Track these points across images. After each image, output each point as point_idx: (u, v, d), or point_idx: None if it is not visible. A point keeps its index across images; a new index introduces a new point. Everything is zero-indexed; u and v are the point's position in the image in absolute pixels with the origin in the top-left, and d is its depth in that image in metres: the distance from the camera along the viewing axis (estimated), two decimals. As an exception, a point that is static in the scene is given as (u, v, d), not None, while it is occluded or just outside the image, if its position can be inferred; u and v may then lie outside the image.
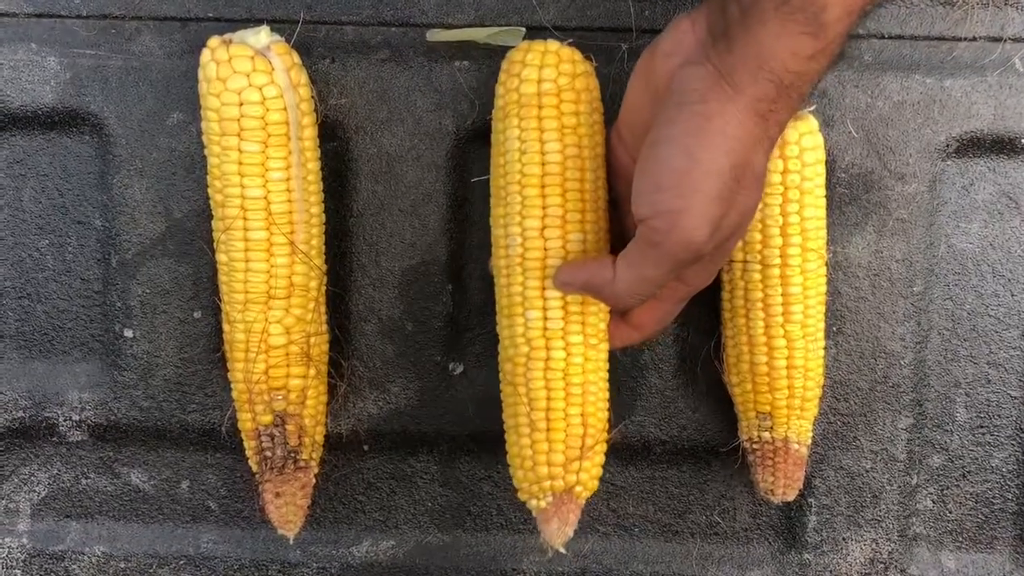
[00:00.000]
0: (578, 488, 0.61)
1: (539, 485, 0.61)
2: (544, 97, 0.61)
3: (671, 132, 0.51)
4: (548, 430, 0.61)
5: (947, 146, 0.70)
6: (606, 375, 0.64)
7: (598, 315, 0.62)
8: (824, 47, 0.49)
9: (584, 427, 0.61)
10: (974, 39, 0.69)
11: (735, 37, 0.50)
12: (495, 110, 0.64)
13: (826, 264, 0.67)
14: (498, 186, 0.63)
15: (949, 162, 0.70)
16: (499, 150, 0.63)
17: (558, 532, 0.61)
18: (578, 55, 0.63)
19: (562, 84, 0.62)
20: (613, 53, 0.68)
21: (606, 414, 0.63)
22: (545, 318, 0.61)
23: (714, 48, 0.51)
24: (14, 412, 0.72)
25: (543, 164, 0.61)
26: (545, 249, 0.61)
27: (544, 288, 0.61)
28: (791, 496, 0.68)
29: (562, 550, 0.62)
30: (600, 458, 0.63)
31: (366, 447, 0.73)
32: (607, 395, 0.64)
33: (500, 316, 0.64)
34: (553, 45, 0.63)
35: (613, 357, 0.71)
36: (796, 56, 0.49)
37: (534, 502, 0.62)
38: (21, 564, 0.73)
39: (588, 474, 0.62)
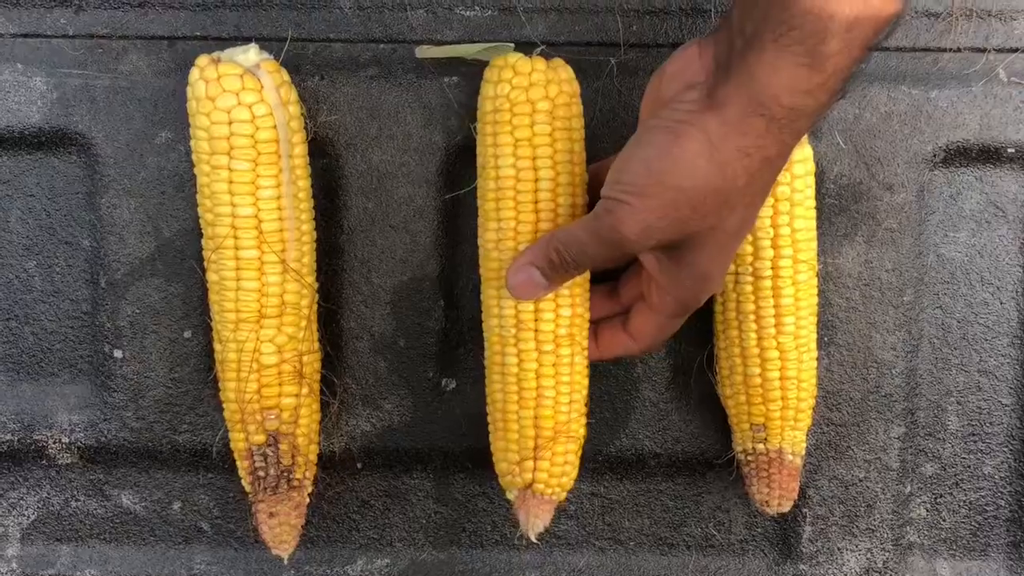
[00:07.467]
0: (538, 485, 0.63)
1: (504, 480, 0.65)
2: (498, 114, 0.62)
3: (640, 137, 0.54)
4: (504, 431, 0.64)
5: (934, 156, 0.70)
6: (569, 379, 0.63)
7: (554, 321, 0.63)
8: (823, 81, 0.49)
9: (536, 429, 0.63)
10: (959, 50, 0.70)
11: (732, 68, 0.50)
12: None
13: (817, 275, 0.67)
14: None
15: (936, 172, 0.71)
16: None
17: (526, 523, 0.64)
18: (540, 64, 0.62)
19: (514, 98, 0.62)
20: (602, 67, 0.68)
21: (565, 416, 0.63)
22: (500, 326, 0.63)
23: (714, 78, 0.52)
24: (2, 435, 0.71)
25: (496, 179, 0.62)
26: (500, 260, 0.63)
27: (500, 298, 0.63)
28: (786, 507, 0.68)
29: (533, 539, 0.64)
30: (562, 459, 0.63)
31: (359, 465, 0.72)
32: (571, 398, 0.63)
33: None
34: (512, 59, 0.63)
35: (607, 370, 0.71)
36: (792, 90, 0.49)
37: (508, 494, 0.65)
38: (11, 589, 0.73)
39: (547, 473, 0.63)
